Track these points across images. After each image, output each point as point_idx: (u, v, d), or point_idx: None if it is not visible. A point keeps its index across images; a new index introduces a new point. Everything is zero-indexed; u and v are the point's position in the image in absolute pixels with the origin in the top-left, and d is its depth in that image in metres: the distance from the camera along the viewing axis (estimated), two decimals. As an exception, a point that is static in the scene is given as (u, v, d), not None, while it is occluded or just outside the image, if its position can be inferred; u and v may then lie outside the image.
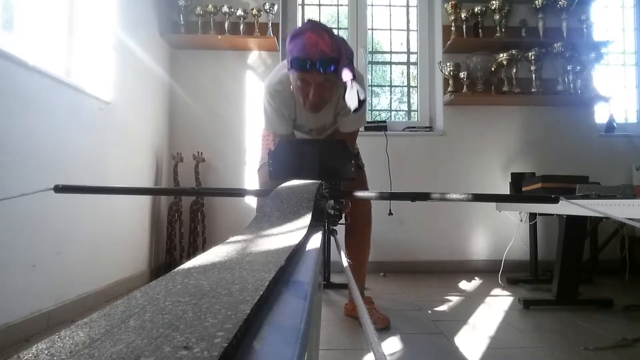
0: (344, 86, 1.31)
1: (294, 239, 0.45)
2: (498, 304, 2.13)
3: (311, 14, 3.43)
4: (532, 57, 3.05)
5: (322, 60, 1.27)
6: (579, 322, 1.82)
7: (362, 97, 1.27)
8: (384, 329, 1.70)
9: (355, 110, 1.32)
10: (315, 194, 0.67)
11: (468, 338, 1.62)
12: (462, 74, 3.06)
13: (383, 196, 1.00)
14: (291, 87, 1.47)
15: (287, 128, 1.61)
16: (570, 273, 2.04)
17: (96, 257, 2.02)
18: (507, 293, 2.38)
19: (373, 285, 2.55)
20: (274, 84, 1.54)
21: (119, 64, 2.28)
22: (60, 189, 0.95)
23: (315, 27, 1.29)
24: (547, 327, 1.77)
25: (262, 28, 3.05)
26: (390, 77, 3.56)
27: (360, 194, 1.09)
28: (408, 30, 3.47)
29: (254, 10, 3.00)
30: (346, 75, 1.27)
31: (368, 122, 3.09)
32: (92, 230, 1.99)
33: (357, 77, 1.32)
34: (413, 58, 3.45)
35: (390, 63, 3.52)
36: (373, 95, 3.50)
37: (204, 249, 2.80)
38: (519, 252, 2.83)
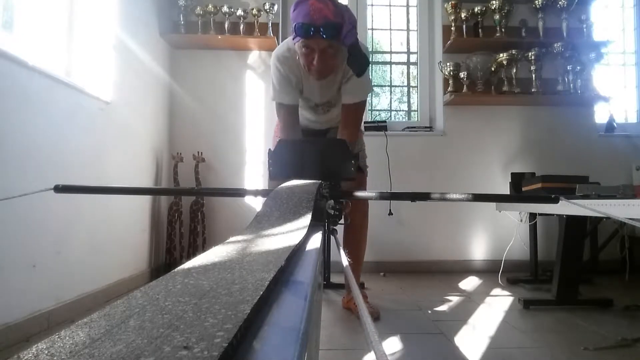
0: (347, 51, 1.38)
1: (294, 239, 0.45)
2: (498, 304, 2.13)
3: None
4: (532, 57, 3.05)
5: (325, 26, 1.30)
6: (579, 322, 1.82)
7: (365, 61, 1.37)
8: (375, 320, 1.78)
9: (359, 74, 1.43)
10: (315, 194, 0.67)
11: (468, 338, 1.62)
12: (462, 74, 3.06)
13: (383, 196, 1.00)
14: (297, 57, 1.50)
15: (294, 97, 1.62)
16: (570, 273, 2.04)
17: (96, 257, 2.02)
18: (507, 293, 2.38)
19: (373, 285, 2.56)
20: (283, 51, 1.57)
21: (119, 64, 2.28)
22: (60, 189, 0.95)
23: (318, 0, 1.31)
24: (547, 327, 1.77)
25: (262, 28, 3.05)
26: (390, 77, 3.56)
27: (360, 194, 1.09)
28: (408, 30, 3.47)
29: (254, 10, 3.00)
30: (349, 39, 1.34)
31: (368, 122, 3.10)
32: (92, 230, 1.99)
33: (359, 44, 1.41)
34: (413, 58, 3.45)
35: (390, 63, 3.52)
36: (373, 95, 3.50)
37: (204, 249, 2.80)
38: (519, 252, 2.82)
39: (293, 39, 1.43)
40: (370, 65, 1.56)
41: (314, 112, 1.75)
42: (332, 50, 1.40)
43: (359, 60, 1.41)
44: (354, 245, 1.91)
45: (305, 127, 1.85)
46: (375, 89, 3.52)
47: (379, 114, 3.46)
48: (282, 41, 3.10)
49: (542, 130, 3.17)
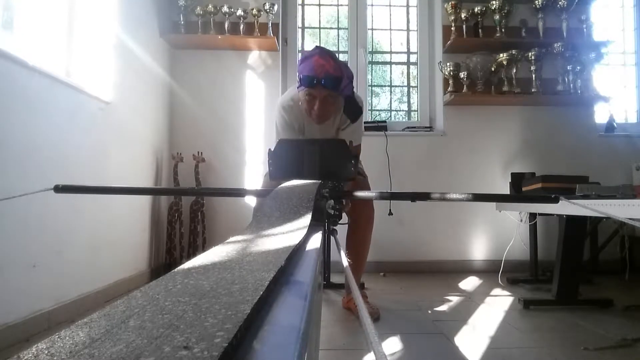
0: (344, 100, 1.69)
1: (294, 239, 0.45)
2: (498, 304, 2.13)
3: (311, 14, 3.43)
4: (532, 57, 3.05)
5: (326, 78, 1.54)
6: (579, 322, 1.82)
7: (360, 106, 1.72)
8: (375, 320, 1.79)
9: (353, 120, 1.72)
10: (315, 194, 0.67)
11: (468, 338, 1.62)
12: (462, 74, 3.06)
13: (383, 196, 1.00)
14: (300, 103, 1.71)
15: (295, 137, 1.79)
16: (570, 273, 2.04)
17: (96, 257, 2.02)
18: (507, 293, 2.38)
19: (373, 285, 2.56)
20: (287, 101, 1.78)
21: (119, 64, 2.28)
22: (60, 189, 0.95)
23: (322, 52, 1.57)
24: (547, 327, 1.77)
25: (262, 28, 3.05)
26: (390, 77, 3.56)
27: (360, 193, 1.09)
28: (408, 30, 3.47)
29: (254, 10, 3.00)
30: (346, 92, 1.65)
31: (368, 122, 3.09)
32: (92, 230, 1.99)
33: (355, 96, 1.76)
34: (413, 58, 3.45)
35: (390, 63, 3.52)
36: (373, 96, 3.50)
37: (204, 249, 2.80)
38: (519, 252, 2.82)
39: (298, 88, 1.66)
40: (362, 114, 1.83)
41: None
42: (331, 99, 1.62)
43: (354, 110, 1.76)
44: (357, 247, 1.91)
45: None
46: (375, 89, 3.53)
47: (379, 114, 3.47)
48: (281, 41, 3.13)
49: (542, 130, 3.17)
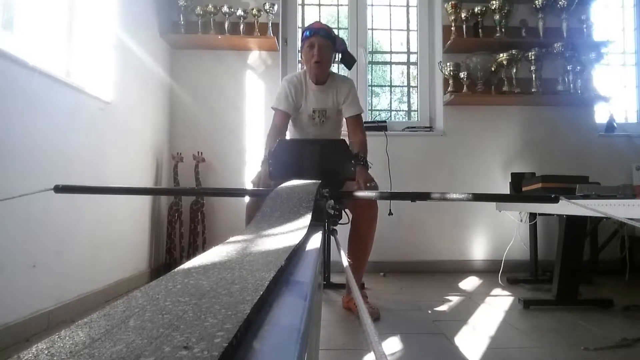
0: (341, 54, 2.06)
1: (294, 239, 0.45)
2: (498, 304, 2.13)
3: (311, 14, 3.43)
4: (532, 57, 3.05)
5: (323, 29, 1.95)
6: (579, 322, 1.82)
7: (352, 58, 2.09)
8: (375, 320, 1.80)
9: (349, 67, 2.12)
10: (315, 194, 0.67)
11: (468, 338, 1.62)
12: (462, 74, 3.06)
13: (383, 196, 1.00)
14: (300, 74, 2.07)
15: (289, 106, 2.02)
16: (570, 273, 2.04)
17: (96, 257, 2.02)
18: (507, 293, 2.38)
19: (373, 285, 2.56)
20: (291, 76, 2.10)
21: (119, 64, 2.28)
22: (60, 189, 0.95)
23: (319, 22, 2.05)
24: (547, 327, 1.77)
25: (262, 28, 3.05)
26: (390, 77, 3.56)
27: (360, 193, 1.09)
28: (408, 30, 3.47)
29: (254, 10, 3.00)
30: (340, 47, 2.04)
31: (368, 122, 3.09)
32: (92, 230, 1.99)
33: (347, 50, 2.10)
34: (413, 58, 3.45)
35: (390, 63, 3.52)
36: (373, 95, 3.50)
37: (204, 249, 2.80)
38: (519, 252, 2.82)
39: (301, 41, 2.01)
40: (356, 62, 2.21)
41: (311, 124, 2.08)
42: (327, 48, 1.96)
43: (348, 59, 2.09)
44: (359, 248, 1.91)
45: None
46: (375, 89, 3.53)
47: (379, 114, 3.46)
48: (282, 41, 3.13)
49: (542, 130, 3.17)
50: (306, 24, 3.41)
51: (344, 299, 2.07)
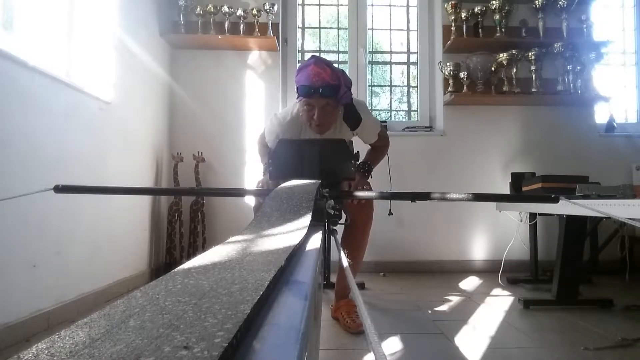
0: (344, 108, 1.68)
1: (294, 239, 0.45)
2: (498, 304, 2.13)
3: (311, 14, 3.43)
4: (532, 57, 3.05)
5: (323, 87, 1.52)
6: (579, 322, 1.82)
7: (358, 117, 1.73)
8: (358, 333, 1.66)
9: (353, 128, 1.76)
10: (315, 194, 0.67)
11: (468, 338, 1.62)
12: (462, 74, 3.06)
13: (383, 196, 1.00)
14: (299, 112, 1.71)
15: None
16: (570, 273, 2.04)
17: (96, 257, 2.02)
18: (507, 293, 2.38)
19: (373, 285, 2.56)
20: (285, 114, 1.79)
21: (119, 64, 2.28)
22: (60, 189, 0.95)
23: (318, 61, 1.54)
24: (547, 327, 1.77)
25: (262, 28, 3.05)
26: (390, 77, 3.56)
27: (360, 193, 1.09)
28: (408, 30, 3.47)
29: (254, 10, 3.00)
30: (345, 100, 1.62)
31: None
32: (92, 230, 1.99)
33: (354, 101, 1.75)
34: (413, 58, 3.45)
35: (390, 63, 3.52)
36: (373, 96, 3.50)
37: (204, 249, 2.80)
38: (519, 252, 2.82)
39: (297, 99, 1.64)
40: (368, 116, 1.84)
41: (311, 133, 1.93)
42: (330, 107, 1.60)
43: (353, 117, 1.75)
44: (352, 249, 1.82)
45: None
46: (375, 89, 3.52)
47: (379, 114, 3.46)
48: (281, 41, 3.13)
49: (542, 130, 3.17)
50: (306, 24, 3.43)
51: (331, 308, 1.93)
